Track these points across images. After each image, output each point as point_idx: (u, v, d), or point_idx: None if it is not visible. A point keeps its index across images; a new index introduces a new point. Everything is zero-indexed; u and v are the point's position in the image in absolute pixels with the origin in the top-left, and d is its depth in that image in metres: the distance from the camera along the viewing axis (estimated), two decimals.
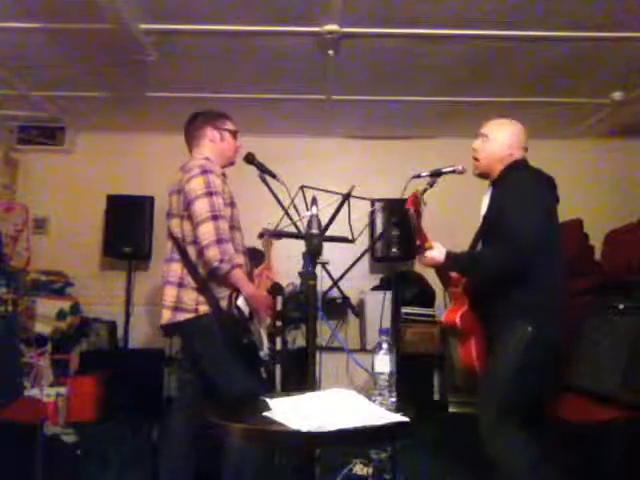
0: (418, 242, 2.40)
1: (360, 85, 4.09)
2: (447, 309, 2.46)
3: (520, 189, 2.28)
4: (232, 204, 2.54)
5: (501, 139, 2.44)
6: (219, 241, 2.33)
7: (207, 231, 2.34)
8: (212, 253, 2.32)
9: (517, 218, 2.19)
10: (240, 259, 2.49)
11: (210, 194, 2.38)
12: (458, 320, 2.34)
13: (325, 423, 1.41)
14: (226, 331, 2.40)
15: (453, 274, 2.46)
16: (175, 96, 4.23)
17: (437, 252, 2.35)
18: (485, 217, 2.44)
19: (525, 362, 2.19)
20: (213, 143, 2.61)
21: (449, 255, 2.34)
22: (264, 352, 2.54)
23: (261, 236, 2.40)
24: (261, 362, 2.60)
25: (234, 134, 2.66)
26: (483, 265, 2.31)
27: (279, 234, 2.37)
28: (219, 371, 2.42)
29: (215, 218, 2.35)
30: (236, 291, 2.41)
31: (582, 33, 3.22)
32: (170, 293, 2.46)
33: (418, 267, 4.77)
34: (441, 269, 2.46)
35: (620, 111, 4.37)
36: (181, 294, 2.44)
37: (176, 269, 2.48)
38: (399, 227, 4.47)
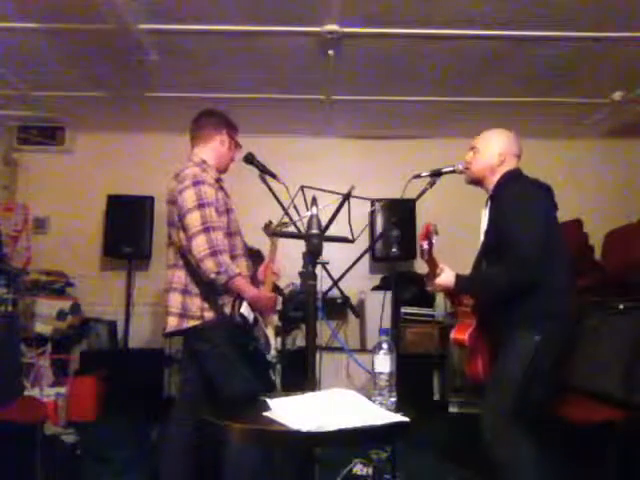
0: (428, 270, 2.44)
1: (360, 85, 4.09)
2: (455, 327, 2.49)
3: (518, 202, 2.30)
4: (228, 210, 2.53)
5: (491, 148, 2.45)
6: (213, 253, 2.32)
7: (201, 244, 2.33)
8: (208, 266, 2.32)
9: (518, 232, 2.21)
10: (240, 266, 2.49)
11: (202, 206, 2.37)
12: (467, 339, 2.39)
13: (325, 423, 1.40)
14: (232, 337, 2.40)
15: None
16: (175, 96, 4.23)
17: (446, 277, 2.37)
18: (486, 232, 2.46)
19: (532, 370, 2.22)
20: (221, 147, 2.61)
21: (458, 279, 2.36)
22: (272, 355, 2.53)
23: (267, 227, 2.39)
24: (269, 365, 2.60)
25: (238, 147, 2.69)
26: (491, 285, 2.34)
27: (281, 234, 2.36)
28: (220, 371, 2.41)
29: (207, 230, 2.34)
30: (239, 298, 2.42)
31: (582, 33, 3.22)
32: (175, 299, 2.45)
33: (418, 267, 4.77)
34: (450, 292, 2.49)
35: (620, 111, 4.37)
36: (186, 301, 2.44)
37: (180, 275, 2.47)
38: (399, 227, 4.46)
